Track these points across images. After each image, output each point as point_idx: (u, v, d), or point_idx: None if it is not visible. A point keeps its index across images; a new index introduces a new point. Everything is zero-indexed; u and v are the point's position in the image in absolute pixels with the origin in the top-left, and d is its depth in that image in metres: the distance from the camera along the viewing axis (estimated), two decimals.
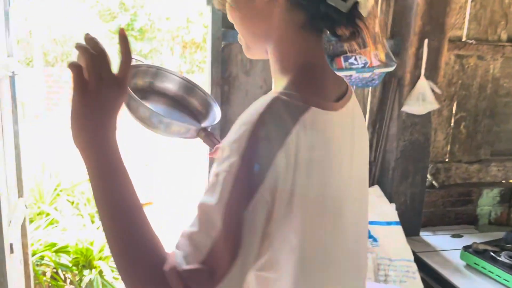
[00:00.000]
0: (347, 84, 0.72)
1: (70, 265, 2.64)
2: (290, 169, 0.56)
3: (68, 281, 2.71)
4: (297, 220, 0.58)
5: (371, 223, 1.78)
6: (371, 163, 2.04)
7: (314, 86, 0.64)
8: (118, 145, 0.60)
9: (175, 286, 0.53)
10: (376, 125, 2.09)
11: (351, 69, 1.72)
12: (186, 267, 0.54)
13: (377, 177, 2.04)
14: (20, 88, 1.80)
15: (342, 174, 0.65)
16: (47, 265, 2.64)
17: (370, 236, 1.79)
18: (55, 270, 2.68)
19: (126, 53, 0.60)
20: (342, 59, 1.74)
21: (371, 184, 2.02)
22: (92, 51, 0.58)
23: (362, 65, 1.72)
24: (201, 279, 0.54)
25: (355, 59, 1.72)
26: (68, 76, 7.83)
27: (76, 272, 2.64)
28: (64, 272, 2.70)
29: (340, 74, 1.48)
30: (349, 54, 1.73)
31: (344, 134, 0.66)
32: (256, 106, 0.57)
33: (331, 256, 0.65)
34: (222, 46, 1.77)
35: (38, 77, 7.42)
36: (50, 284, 2.62)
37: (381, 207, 1.81)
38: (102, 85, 0.58)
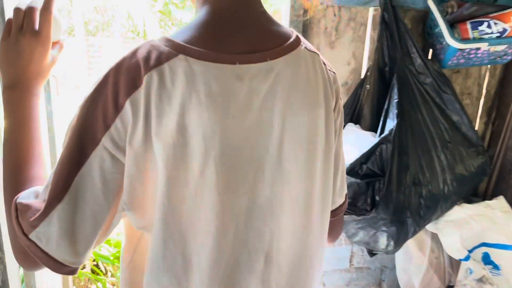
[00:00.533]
0: (289, 39, 0.63)
1: (112, 257, 2.40)
2: (141, 118, 0.55)
3: (109, 274, 2.48)
4: (155, 175, 0.57)
5: (492, 245, 1.36)
6: (483, 165, 1.58)
7: (202, 35, 0.59)
8: (33, 93, 0.68)
9: (13, 216, 0.58)
10: (492, 113, 1.64)
11: (481, 40, 1.26)
12: (21, 200, 0.59)
13: (494, 182, 1.59)
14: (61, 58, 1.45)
15: (232, 131, 0.58)
16: None
17: (490, 262, 1.37)
18: (95, 263, 2.46)
19: (45, 8, 0.68)
20: (468, 26, 1.28)
21: (489, 193, 1.58)
22: (19, 7, 0.68)
23: (498, 34, 1.26)
24: (26, 215, 0.57)
25: (488, 25, 1.26)
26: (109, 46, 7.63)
27: (118, 264, 2.41)
28: (105, 264, 2.48)
29: (464, 46, 1.11)
30: (479, 19, 1.27)
31: (246, 91, 0.58)
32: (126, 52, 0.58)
33: (199, 226, 0.59)
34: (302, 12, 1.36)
35: (80, 47, 7.25)
36: (89, 277, 2.39)
37: (508, 226, 1.37)
38: (19, 35, 0.67)
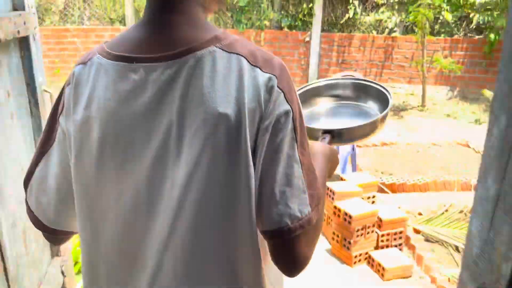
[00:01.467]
0: (201, 41, 0.70)
1: None
2: (71, 102, 0.75)
3: None
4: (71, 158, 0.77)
5: None
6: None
7: (116, 40, 0.76)
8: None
9: None
10: None
11: None
12: None
13: None
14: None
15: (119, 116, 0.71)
16: None
17: None
18: None
19: None
20: None
21: None
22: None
23: None
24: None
25: None
26: None
27: None
28: None
29: None
30: None
31: (138, 85, 0.70)
32: None
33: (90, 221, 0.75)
34: None
35: None
36: None
37: None
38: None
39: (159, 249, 0.70)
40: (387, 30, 7.98)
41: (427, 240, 3.11)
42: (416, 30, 7.46)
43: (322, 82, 1.24)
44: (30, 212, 0.82)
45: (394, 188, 4.11)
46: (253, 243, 0.73)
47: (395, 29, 7.84)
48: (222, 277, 0.72)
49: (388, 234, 2.99)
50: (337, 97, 1.26)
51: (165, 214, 0.69)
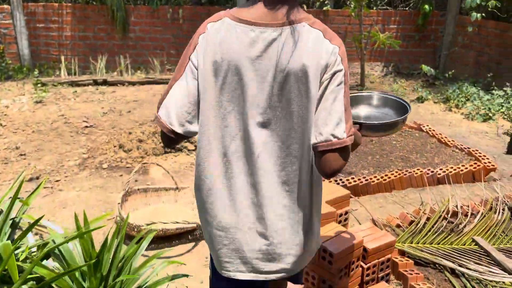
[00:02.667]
0: (296, 20, 1.21)
1: None
2: (203, 47, 1.23)
3: None
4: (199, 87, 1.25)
5: None
6: None
7: (240, 10, 1.23)
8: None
9: None
10: None
11: None
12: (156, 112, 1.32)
13: None
14: None
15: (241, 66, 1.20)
16: None
17: None
18: None
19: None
20: None
21: None
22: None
23: None
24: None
25: None
26: None
27: None
28: None
29: None
30: None
31: (251, 42, 1.19)
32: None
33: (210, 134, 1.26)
34: None
35: None
36: None
37: None
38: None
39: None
40: (318, 4, 7.35)
41: (416, 263, 2.51)
42: (349, 3, 6.91)
43: (364, 92, 1.81)
44: (159, 121, 1.27)
45: (357, 191, 3.49)
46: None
47: (326, 2, 7.23)
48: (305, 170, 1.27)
49: (374, 266, 2.33)
50: (370, 105, 1.77)
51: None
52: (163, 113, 1.25)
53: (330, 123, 1.19)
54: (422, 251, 2.57)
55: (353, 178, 3.53)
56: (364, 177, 3.55)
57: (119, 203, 2.72)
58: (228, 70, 1.19)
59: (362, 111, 1.72)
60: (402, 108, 1.65)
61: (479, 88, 5.97)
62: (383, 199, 3.45)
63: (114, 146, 4.15)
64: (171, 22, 7.14)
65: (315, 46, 1.17)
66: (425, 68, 6.32)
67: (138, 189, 3.07)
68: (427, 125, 4.73)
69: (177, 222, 2.66)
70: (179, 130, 1.24)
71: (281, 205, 1.25)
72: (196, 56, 1.23)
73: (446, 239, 2.69)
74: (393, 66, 7.46)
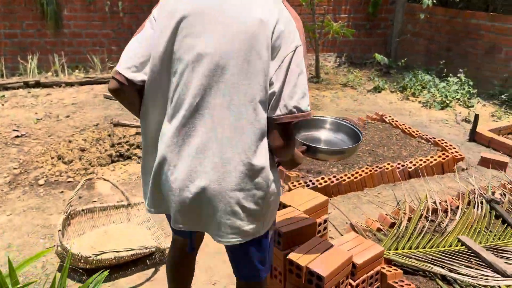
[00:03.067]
0: None
1: None
2: (164, 1, 1.30)
3: None
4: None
5: None
6: None
7: None
8: None
9: None
10: None
11: None
12: None
13: None
14: None
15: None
16: None
17: None
18: None
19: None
20: None
21: None
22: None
23: None
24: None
25: None
26: None
27: None
28: None
29: None
30: None
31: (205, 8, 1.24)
32: None
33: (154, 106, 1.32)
34: None
35: None
36: None
37: None
38: None
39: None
40: None
41: (405, 271, 2.28)
42: None
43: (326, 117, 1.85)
44: (116, 73, 1.29)
45: (328, 191, 3.24)
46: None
47: None
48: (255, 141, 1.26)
49: (363, 282, 2.08)
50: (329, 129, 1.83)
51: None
52: (117, 65, 1.30)
53: (295, 96, 1.22)
54: (409, 257, 2.35)
55: (323, 178, 3.28)
56: (334, 176, 3.31)
57: (60, 230, 2.26)
58: (181, 20, 1.23)
59: (323, 134, 1.80)
60: (355, 136, 1.73)
61: (433, 76, 5.96)
62: (357, 199, 3.22)
63: (52, 158, 3.62)
64: (110, 15, 6.54)
65: (275, 7, 1.23)
66: (378, 57, 6.22)
67: (83, 210, 2.62)
68: (389, 116, 4.59)
69: (132, 249, 2.26)
70: (124, 72, 1.26)
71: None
72: (157, 9, 1.30)
73: (432, 241, 2.50)
74: (346, 56, 7.34)
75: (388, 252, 2.39)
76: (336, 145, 1.74)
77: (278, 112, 1.22)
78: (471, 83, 5.51)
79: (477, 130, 4.28)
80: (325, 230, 2.43)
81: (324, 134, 1.78)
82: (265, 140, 1.26)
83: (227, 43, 1.19)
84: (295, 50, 1.22)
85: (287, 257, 1.94)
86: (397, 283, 2.16)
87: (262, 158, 1.25)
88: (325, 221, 2.40)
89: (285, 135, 1.26)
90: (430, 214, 2.76)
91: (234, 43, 1.18)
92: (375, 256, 2.10)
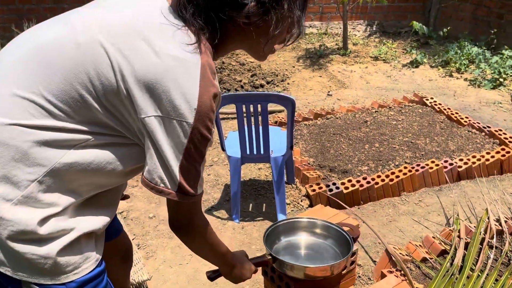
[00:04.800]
0: None
1: None
2: None
3: None
4: None
5: None
6: None
7: None
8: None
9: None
10: None
11: None
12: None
13: None
14: None
15: None
16: None
17: None
18: None
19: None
20: None
21: None
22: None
23: None
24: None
25: None
26: None
27: None
28: None
29: None
30: None
31: None
32: None
33: None
34: None
35: None
36: None
37: None
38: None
39: None
40: None
41: None
42: None
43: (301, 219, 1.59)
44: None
45: (357, 198, 2.58)
46: None
47: None
48: None
49: None
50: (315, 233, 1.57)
51: None
52: None
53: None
54: None
55: (349, 181, 2.61)
56: (364, 178, 2.63)
57: None
58: None
59: (304, 238, 1.56)
60: (346, 244, 1.47)
61: (483, 48, 5.07)
62: (392, 208, 2.55)
63: None
64: None
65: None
66: (416, 25, 5.35)
67: None
68: (431, 98, 3.82)
69: None
70: None
71: None
72: None
73: (499, 282, 1.82)
74: (378, 24, 6.47)
75: None
76: (323, 255, 1.50)
77: None
78: None
79: None
80: (353, 265, 1.78)
81: (309, 239, 1.56)
82: None
83: None
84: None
85: None
86: None
87: None
88: (354, 253, 1.75)
89: None
90: (494, 239, 2.08)
91: None
92: None
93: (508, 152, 2.90)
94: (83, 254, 0.86)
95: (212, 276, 1.25)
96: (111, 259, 1.28)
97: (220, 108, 2.22)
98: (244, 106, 2.18)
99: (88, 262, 0.87)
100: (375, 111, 3.67)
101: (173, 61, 0.79)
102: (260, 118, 2.21)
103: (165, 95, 0.79)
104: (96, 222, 0.89)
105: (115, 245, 1.28)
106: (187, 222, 0.94)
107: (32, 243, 0.80)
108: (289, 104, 2.11)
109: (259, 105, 2.14)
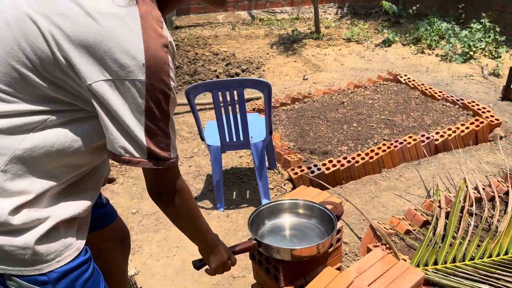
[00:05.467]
0: None
1: None
2: None
3: None
4: None
5: None
6: None
7: None
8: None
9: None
10: None
11: None
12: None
13: None
14: None
15: None
16: None
17: None
18: None
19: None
20: None
21: None
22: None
23: None
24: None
25: None
26: None
27: None
28: None
29: None
30: None
31: None
32: None
33: None
34: None
35: None
36: None
37: None
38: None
39: None
40: None
41: None
42: None
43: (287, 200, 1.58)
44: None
45: (338, 178, 2.61)
46: None
47: None
48: None
49: None
50: (300, 214, 1.57)
51: None
52: None
53: None
54: (456, 275, 1.73)
55: (330, 161, 2.63)
56: (344, 158, 2.66)
57: None
58: None
59: (288, 220, 1.57)
60: (330, 222, 1.49)
61: (452, 23, 5.16)
62: (374, 185, 2.59)
63: None
64: None
65: None
66: (386, 4, 5.39)
67: None
68: (405, 75, 3.87)
69: None
70: None
71: None
72: None
73: (481, 247, 1.87)
74: (348, 6, 6.49)
75: (426, 269, 1.77)
76: (307, 234, 1.51)
77: None
78: (497, 29, 4.72)
79: (511, 86, 3.57)
80: (339, 243, 1.81)
81: (293, 220, 1.56)
82: None
83: None
84: None
85: None
86: None
87: None
88: (339, 231, 1.77)
89: None
90: (473, 207, 2.13)
91: None
92: (412, 287, 1.48)
93: (482, 123, 2.97)
94: (63, 241, 0.82)
95: (198, 265, 1.24)
96: (111, 245, 1.27)
97: (196, 98, 2.20)
98: (220, 93, 2.16)
99: (70, 249, 0.84)
100: (351, 92, 3.70)
101: (108, 18, 0.73)
102: (237, 105, 2.20)
103: (108, 55, 0.72)
104: (76, 207, 0.85)
105: (112, 231, 1.26)
106: (169, 187, 0.89)
107: (8, 235, 0.77)
108: (265, 88, 2.10)
109: (235, 92, 2.13)
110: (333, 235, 1.42)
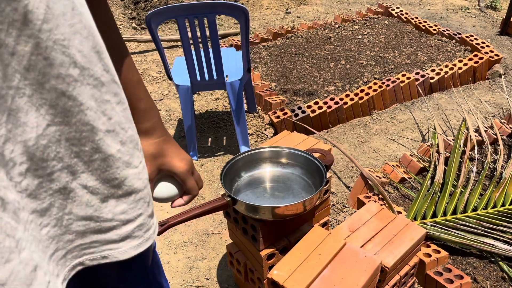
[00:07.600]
0: None
1: None
2: None
3: None
4: None
5: None
6: None
7: None
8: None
9: None
10: None
11: None
12: None
13: None
14: None
15: None
16: None
17: None
18: None
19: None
20: None
21: None
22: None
23: None
24: None
25: None
26: None
27: None
28: None
29: None
30: None
31: None
32: None
33: None
34: None
35: None
36: None
37: None
38: None
39: None
40: None
41: (450, 249, 1.49)
42: None
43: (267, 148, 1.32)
44: None
45: (325, 121, 2.35)
46: None
47: None
48: None
49: (394, 285, 1.29)
50: (281, 163, 1.32)
51: None
52: None
53: None
54: (456, 228, 1.54)
55: (316, 103, 2.35)
56: (331, 99, 2.38)
57: None
58: None
59: (268, 171, 1.31)
60: (317, 172, 1.25)
61: None
62: (364, 128, 2.35)
63: None
64: None
65: None
66: None
67: None
68: (397, 7, 3.53)
69: None
70: None
71: None
72: None
73: (484, 197, 1.68)
74: None
75: (424, 222, 1.57)
76: (291, 186, 1.26)
77: None
78: None
79: (511, 19, 3.28)
80: (327, 194, 1.58)
81: (274, 170, 1.31)
82: None
83: None
84: None
85: (268, 276, 1.11)
86: (441, 275, 1.38)
87: None
88: (327, 182, 1.54)
89: None
90: (475, 151, 1.92)
91: None
92: (412, 246, 1.28)
93: (481, 58, 2.71)
94: None
95: (159, 230, 1.00)
96: None
97: (159, 28, 1.84)
98: (187, 20, 1.82)
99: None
100: (339, 26, 3.36)
101: None
102: (208, 35, 1.86)
103: None
104: None
105: None
106: None
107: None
108: (242, 14, 1.77)
109: (205, 19, 1.78)
110: (322, 189, 1.19)
